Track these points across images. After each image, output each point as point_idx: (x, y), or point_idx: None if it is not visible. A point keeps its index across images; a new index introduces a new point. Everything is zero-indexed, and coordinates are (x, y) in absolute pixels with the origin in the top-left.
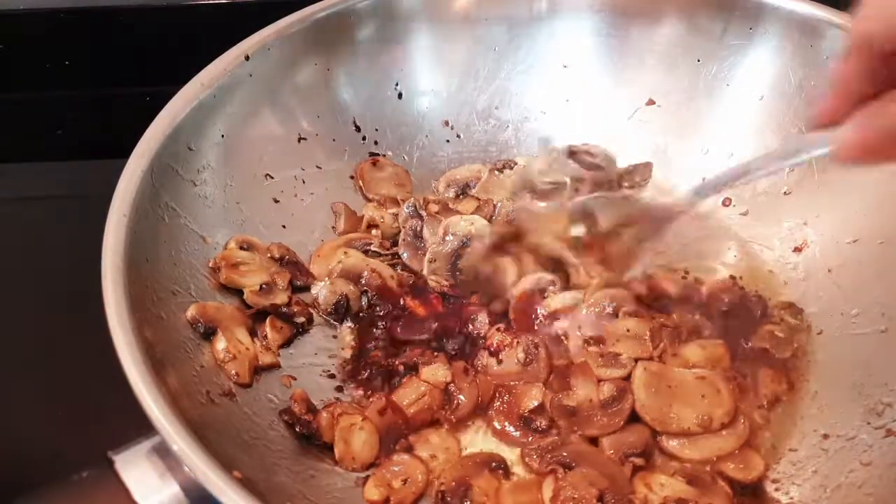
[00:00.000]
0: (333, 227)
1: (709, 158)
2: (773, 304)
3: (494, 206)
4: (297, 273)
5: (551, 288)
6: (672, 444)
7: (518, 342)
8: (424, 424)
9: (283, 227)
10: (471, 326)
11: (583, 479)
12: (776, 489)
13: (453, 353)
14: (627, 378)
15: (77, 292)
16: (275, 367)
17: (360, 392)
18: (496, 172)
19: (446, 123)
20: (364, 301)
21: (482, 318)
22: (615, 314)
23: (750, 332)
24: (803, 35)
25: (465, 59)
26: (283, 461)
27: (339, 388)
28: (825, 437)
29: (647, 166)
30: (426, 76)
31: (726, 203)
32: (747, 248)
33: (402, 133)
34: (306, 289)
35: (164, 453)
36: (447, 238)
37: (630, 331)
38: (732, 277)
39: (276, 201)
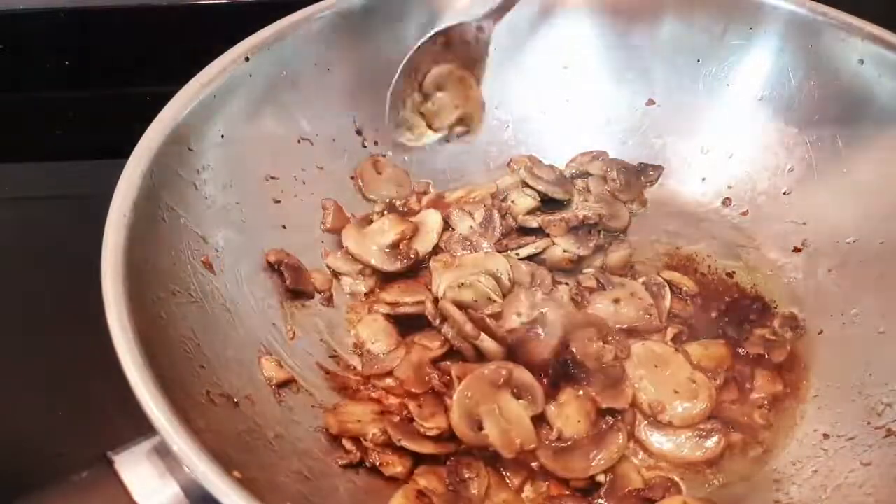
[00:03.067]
0: (322, 223)
1: (708, 158)
2: (771, 307)
3: None
4: (297, 279)
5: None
6: (644, 428)
7: None
8: None
9: (284, 227)
10: None
11: None
12: (776, 489)
13: None
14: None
15: (77, 292)
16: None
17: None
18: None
19: None
20: None
21: None
22: None
23: (746, 335)
24: (803, 35)
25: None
26: (283, 461)
27: None
28: (825, 437)
29: (657, 170)
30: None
31: (726, 203)
32: (747, 248)
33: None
34: (304, 294)
35: (164, 453)
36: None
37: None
38: (730, 276)
39: (277, 202)
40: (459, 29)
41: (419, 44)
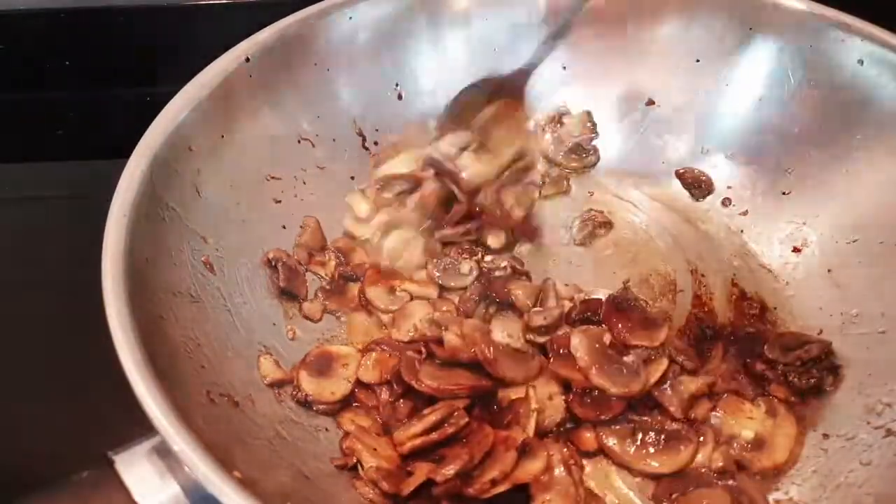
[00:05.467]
0: (297, 237)
1: (708, 158)
2: (770, 307)
3: None
4: (290, 279)
5: None
6: None
7: None
8: None
9: (283, 227)
10: None
11: None
12: (776, 489)
13: None
14: None
15: (77, 292)
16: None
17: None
18: None
19: None
20: None
21: None
22: None
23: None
24: (803, 35)
25: (465, 59)
26: (283, 461)
27: None
28: (825, 436)
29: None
30: (426, 76)
31: (725, 203)
32: (747, 248)
33: (402, 133)
34: (296, 297)
35: (164, 453)
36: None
37: None
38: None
39: (277, 202)
40: (505, 77)
41: (463, 89)
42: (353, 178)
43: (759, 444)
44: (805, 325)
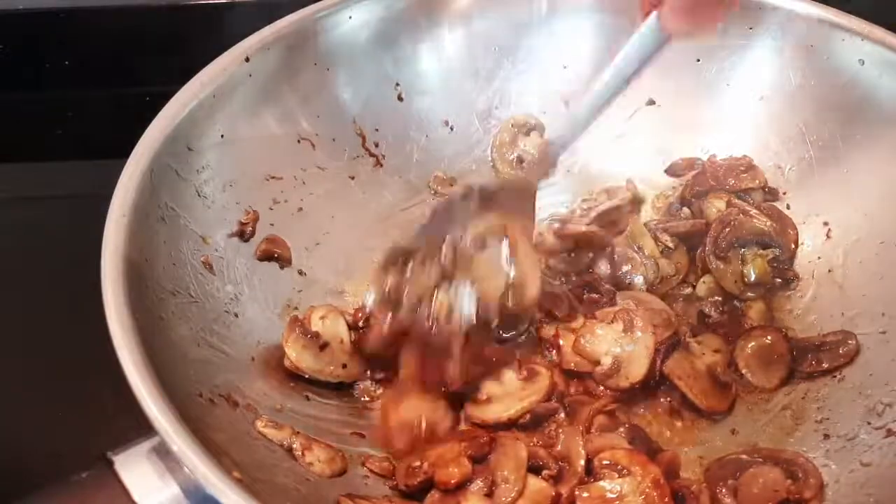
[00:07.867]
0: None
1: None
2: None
3: None
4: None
5: None
6: None
7: None
8: None
9: (284, 227)
10: None
11: None
12: None
13: None
14: None
15: (77, 292)
16: None
17: None
18: None
19: (446, 123)
20: None
21: None
22: None
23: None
24: (803, 35)
25: (465, 59)
26: (283, 462)
27: None
28: (825, 437)
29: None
30: (426, 76)
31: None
32: None
33: (402, 133)
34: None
35: (163, 454)
36: None
37: None
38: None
39: (277, 202)
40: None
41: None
42: (352, 178)
43: None
44: (806, 324)
